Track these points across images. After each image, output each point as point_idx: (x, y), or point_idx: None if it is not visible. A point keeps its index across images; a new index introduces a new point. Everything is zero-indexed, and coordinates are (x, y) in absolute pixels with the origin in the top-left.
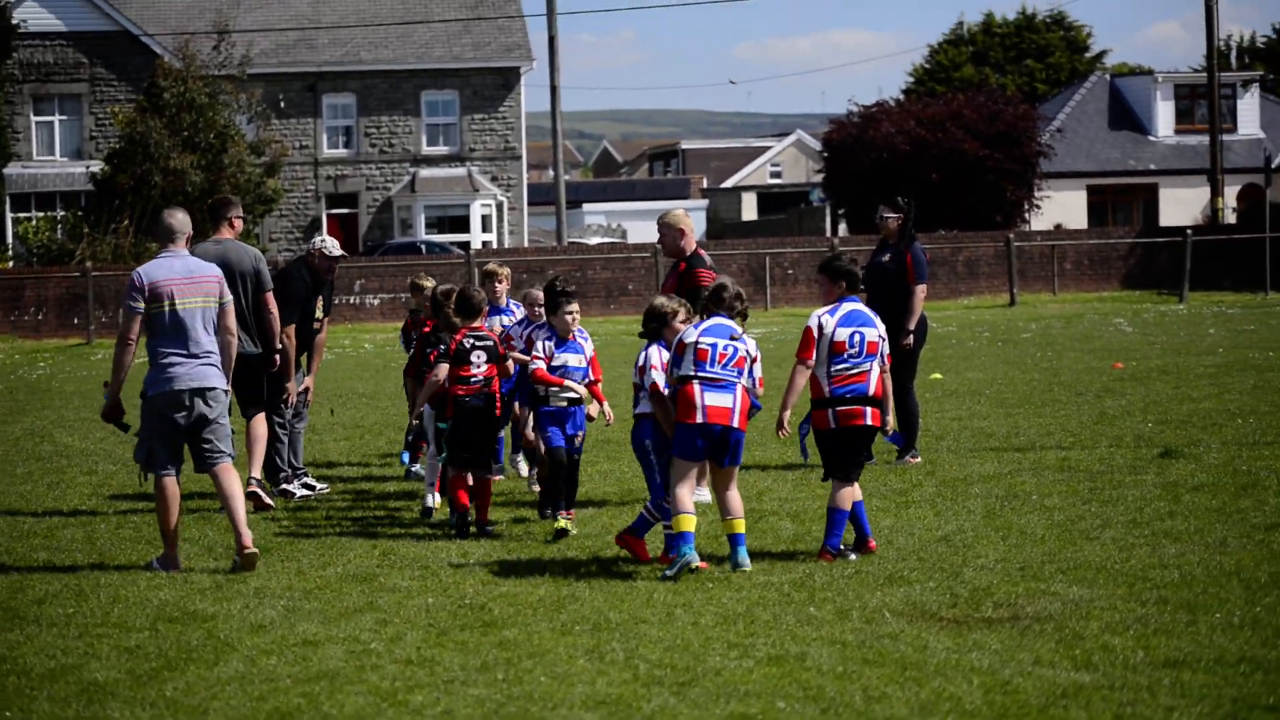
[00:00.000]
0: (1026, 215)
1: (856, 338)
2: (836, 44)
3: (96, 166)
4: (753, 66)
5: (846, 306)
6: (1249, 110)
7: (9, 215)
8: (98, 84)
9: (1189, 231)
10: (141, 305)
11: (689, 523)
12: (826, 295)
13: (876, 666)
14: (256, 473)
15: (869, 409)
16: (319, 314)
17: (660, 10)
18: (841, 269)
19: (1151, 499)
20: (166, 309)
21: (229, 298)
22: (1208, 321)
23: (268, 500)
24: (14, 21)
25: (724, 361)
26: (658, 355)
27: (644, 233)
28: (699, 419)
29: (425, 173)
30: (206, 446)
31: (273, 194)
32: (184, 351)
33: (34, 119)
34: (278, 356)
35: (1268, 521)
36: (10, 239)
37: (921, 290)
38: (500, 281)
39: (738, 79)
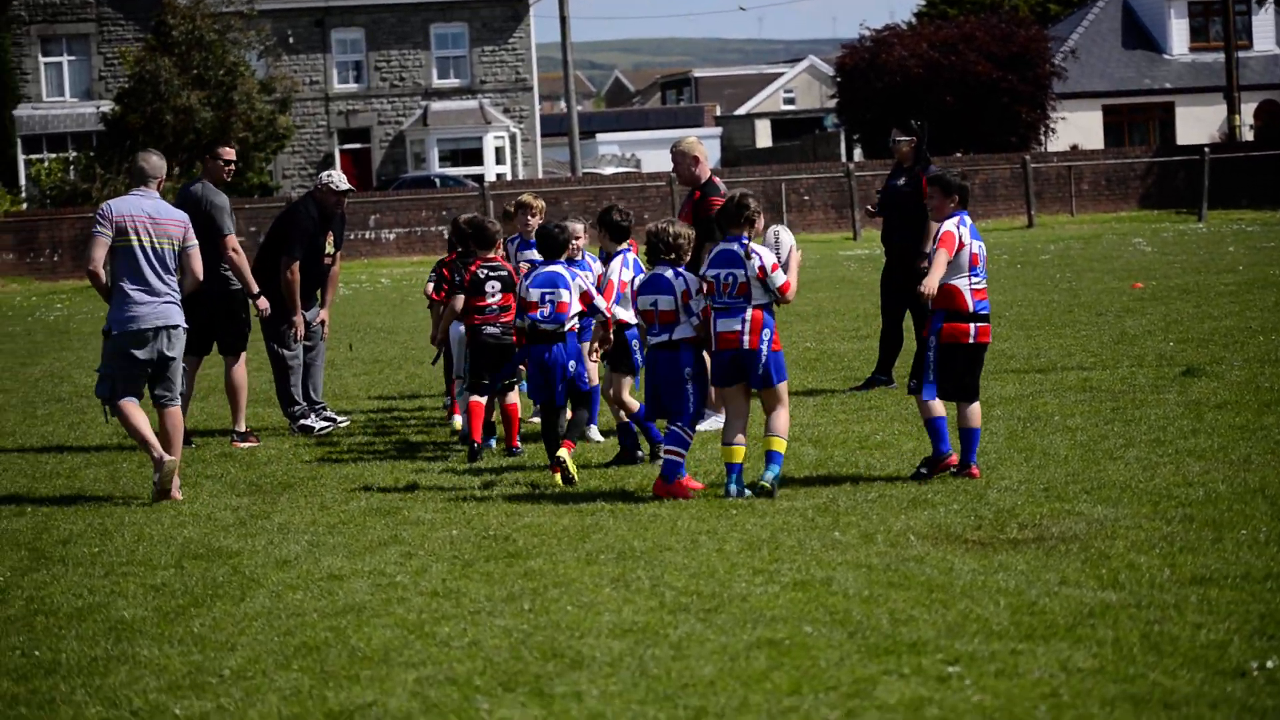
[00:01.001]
0: (1042, 137)
1: (983, 251)
2: None
3: (107, 106)
4: None
5: (969, 220)
6: (1265, 26)
7: (21, 157)
8: (105, 23)
9: (1206, 150)
10: (109, 233)
11: (733, 454)
12: (939, 209)
13: (902, 590)
14: (240, 425)
15: (989, 325)
16: (329, 249)
17: None
18: (955, 183)
19: (1175, 418)
20: (133, 244)
21: (193, 241)
22: (1227, 239)
23: (252, 442)
24: None
25: (728, 291)
26: (695, 280)
27: (658, 162)
28: (714, 346)
29: (437, 106)
30: (163, 386)
31: (284, 130)
32: (147, 289)
33: (42, 60)
34: (262, 301)
35: None
36: (23, 181)
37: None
38: (534, 214)
39: (748, 5)
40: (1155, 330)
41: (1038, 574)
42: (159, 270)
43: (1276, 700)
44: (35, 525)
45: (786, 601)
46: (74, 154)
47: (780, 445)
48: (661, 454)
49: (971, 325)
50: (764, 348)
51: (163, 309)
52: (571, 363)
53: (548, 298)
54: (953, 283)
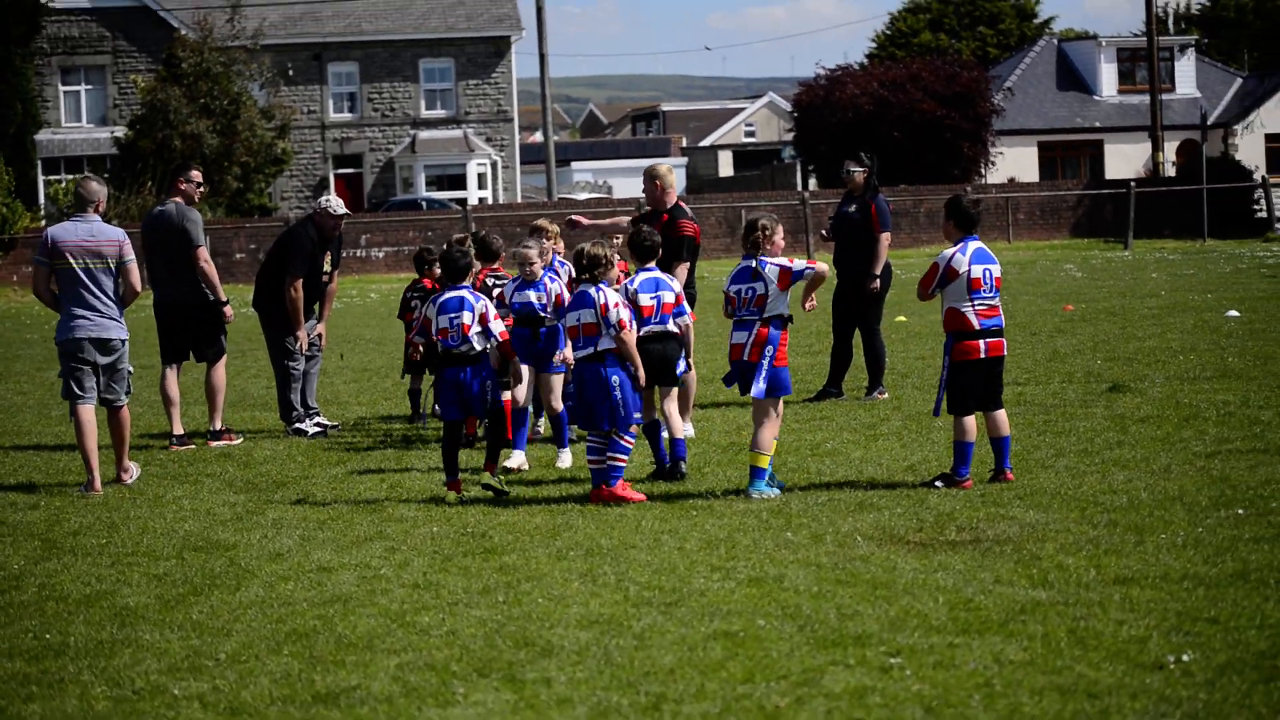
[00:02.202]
0: (982, 170)
1: (988, 274)
2: (806, 11)
3: (120, 132)
4: (727, 34)
5: (974, 246)
6: (1186, 72)
7: (41, 178)
8: (120, 56)
9: (1132, 184)
10: (45, 260)
11: (756, 460)
12: (947, 234)
13: (849, 586)
14: (217, 424)
15: (1003, 339)
16: (327, 268)
17: None
18: (963, 212)
19: (1101, 430)
20: (71, 266)
21: (130, 257)
22: (1150, 266)
23: (227, 439)
24: None
25: (747, 305)
26: (615, 295)
27: (628, 188)
28: (730, 356)
29: (424, 135)
30: (108, 390)
31: (283, 155)
32: (83, 305)
33: (62, 89)
34: (228, 309)
35: (1208, 450)
36: (42, 199)
37: (886, 238)
38: (547, 238)
39: (713, 45)
40: (1084, 349)
41: (974, 573)
42: (93, 289)
43: (1191, 691)
44: (48, 518)
45: (742, 597)
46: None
47: (761, 460)
48: (604, 463)
49: (981, 341)
50: (764, 362)
51: (98, 322)
52: (486, 382)
53: (454, 321)
54: (957, 307)
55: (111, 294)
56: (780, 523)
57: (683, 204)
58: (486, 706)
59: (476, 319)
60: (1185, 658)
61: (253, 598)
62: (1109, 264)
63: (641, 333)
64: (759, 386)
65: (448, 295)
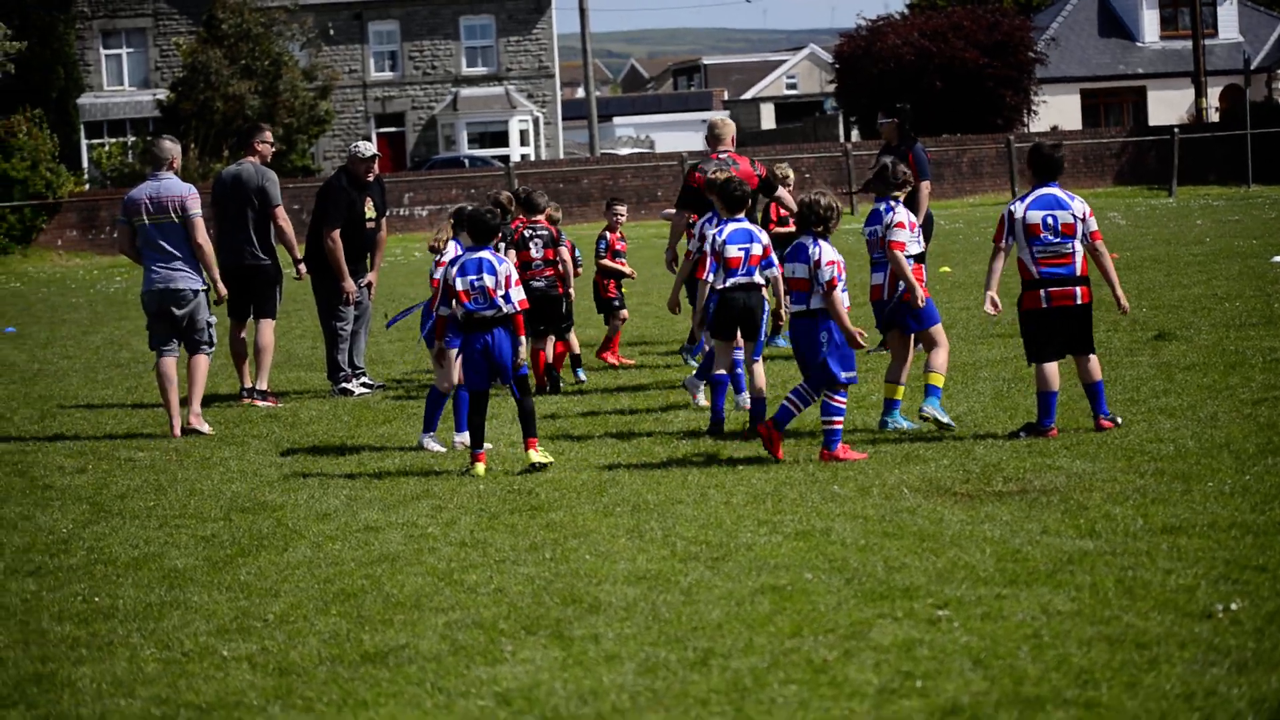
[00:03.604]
0: (1025, 119)
1: (1050, 220)
2: None
3: (162, 94)
4: None
5: (1039, 192)
6: (1228, 16)
7: (84, 142)
8: (161, 18)
9: (1176, 130)
10: (125, 219)
11: (892, 391)
12: (1030, 182)
13: (896, 539)
14: (263, 384)
15: (1079, 288)
16: (370, 214)
17: None
18: (1034, 156)
19: (1147, 378)
20: (144, 222)
21: (193, 212)
22: (1195, 213)
23: (270, 401)
24: None
25: (878, 248)
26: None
27: (671, 143)
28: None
29: (466, 92)
30: (188, 337)
31: (325, 115)
32: (155, 259)
33: (103, 52)
34: (302, 266)
35: (1254, 397)
36: (86, 164)
37: (926, 186)
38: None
39: None
40: (1130, 297)
41: (1021, 524)
42: (163, 243)
43: (1240, 640)
44: (95, 481)
45: (789, 550)
46: (132, 139)
47: (936, 379)
48: (822, 426)
49: (1041, 291)
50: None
51: (166, 273)
52: (517, 348)
53: (476, 284)
54: (1020, 256)
55: (182, 246)
56: (827, 476)
57: (715, 157)
58: (535, 663)
59: (501, 281)
60: (1234, 606)
61: (300, 558)
62: (1153, 211)
63: (728, 283)
64: (920, 318)
65: (468, 257)
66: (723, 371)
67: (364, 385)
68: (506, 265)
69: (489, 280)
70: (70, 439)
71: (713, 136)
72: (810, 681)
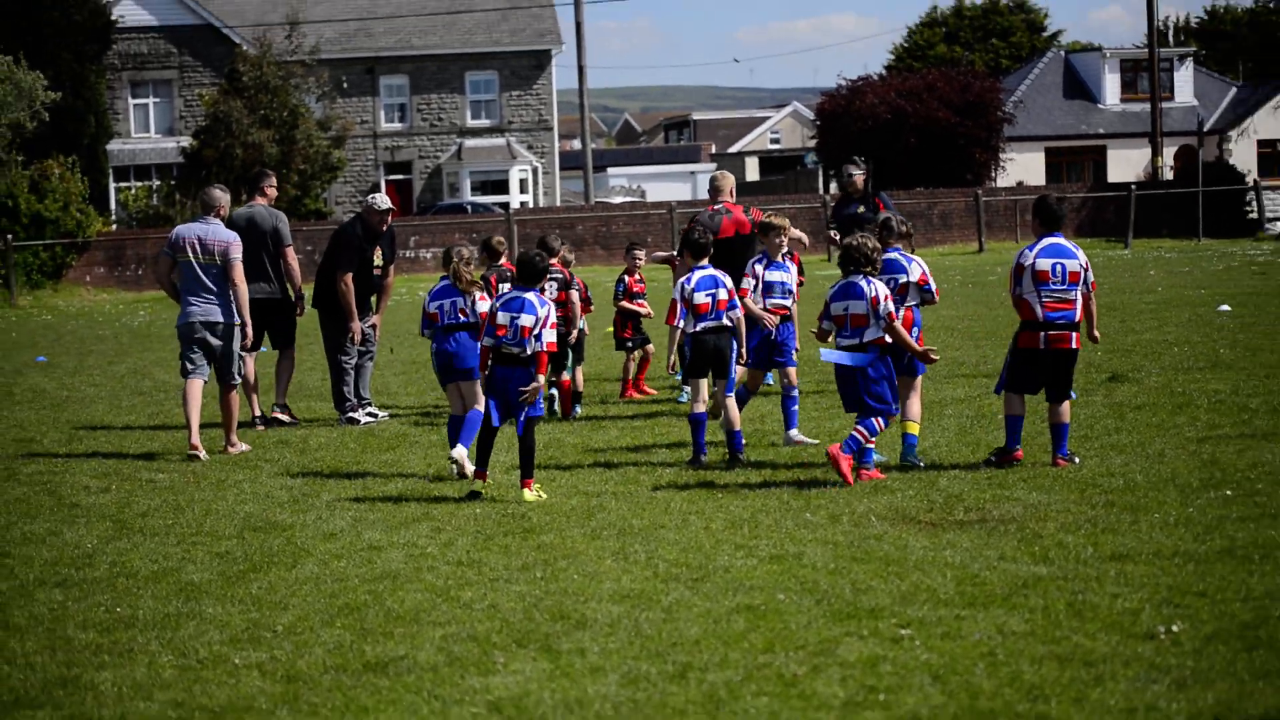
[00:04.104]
0: (992, 174)
1: (1059, 268)
2: (828, 26)
3: (186, 142)
4: (753, 47)
5: (1047, 241)
6: (1184, 81)
7: (112, 185)
8: (186, 70)
9: (1133, 187)
10: (169, 252)
11: (911, 427)
12: (1036, 231)
13: (863, 563)
14: (283, 398)
15: (1073, 334)
16: (378, 262)
17: None
18: (1040, 209)
19: (1100, 417)
20: (189, 259)
21: (234, 257)
22: (1149, 264)
23: (287, 420)
24: (113, 18)
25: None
26: (884, 288)
27: (661, 192)
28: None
29: (470, 143)
30: (219, 369)
31: (338, 163)
32: (196, 294)
33: (131, 101)
34: (304, 302)
35: (1200, 435)
36: (113, 205)
37: None
38: (784, 233)
39: (740, 58)
40: (1084, 340)
41: (980, 550)
42: (205, 280)
43: (1180, 659)
44: (119, 500)
45: (763, 573)
46: (157, 182)
47: (914, 428)
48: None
49: (1041, 333)
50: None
51: (204, 308)
52: (530, 386)
53: (515, 321)
54: (1025, 297)
55: (221, 286)
56: (800, 504)
57: (712, 208)
58: (525, 675)
59: (538, 323)
60: (1175, 628)
61: (308, 574)
62: (1110, 262)
63: (698, 328)
64: (915, 366)
65: (513, 295)
66: (701, 410)
67: (369, 414)
68: (548, 309)
69: (527, 320)
70: (95, 461)
71: (713, 189)
72: (781, 694)
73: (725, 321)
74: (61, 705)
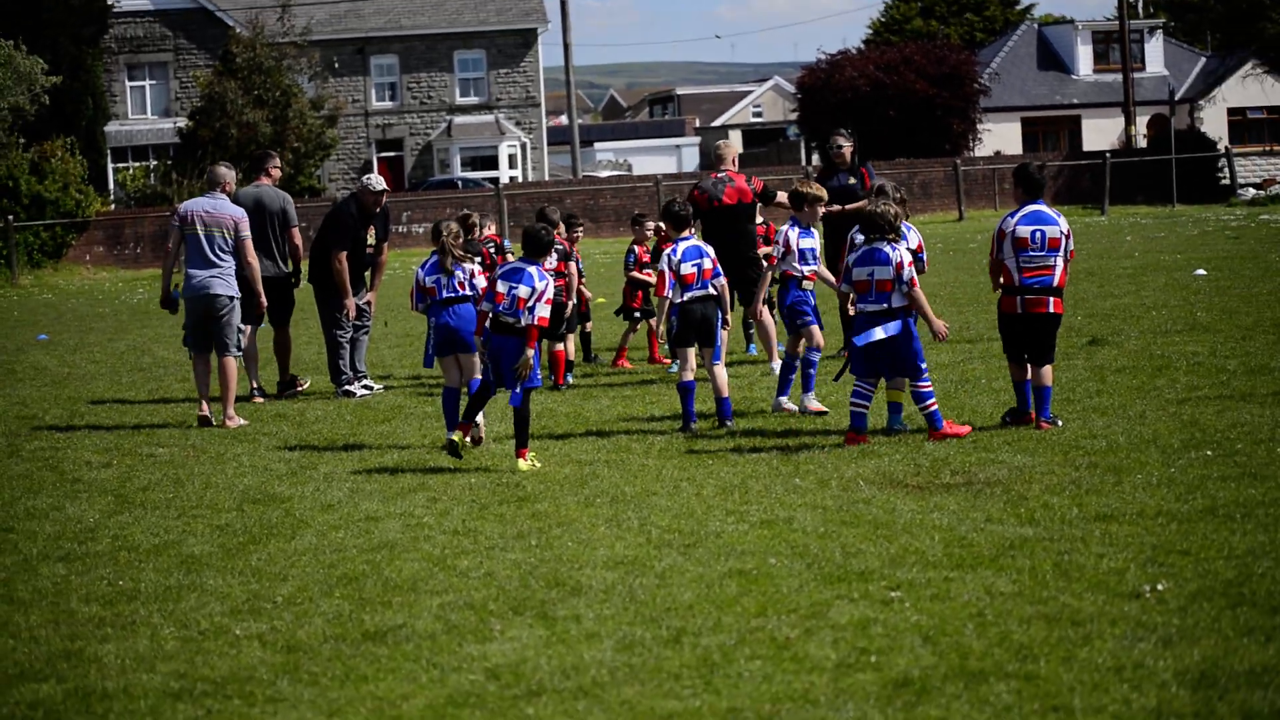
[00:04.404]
0: (970, 144)
1: (1038, 235)
2: (807, 1)
3: (182, 122)
4: (735, 23)
5: (1029, 208)
6: (1155, 52)
7: (110, 166)
8: (181, 53)
9: (1108, 155)
10: (177, 224)
11: (899, 396)
12: (1016, 198)
13: (853, 527)
14: (286, 375)
15: (1052, 298)
16: (371, 241)
17: None
18: (1021, 176)
19: (1082, 380)
20: (195, 232)
21: (244, 234)
22: (1125, 230)
23: (301, 385)
24: (109, 3)
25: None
26: (908, 254)
27: (647, 166)
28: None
29: (459, 120)
30: (216, 339)
31: (331, 141)
32: (199, 265)
33: (128, 84)
34: (299, 277)
35: (1179, 397)
36: (112, 186)
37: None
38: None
39: (722, 34)
40: (1066, 307)
41: (967, 513)
42: (209, 253)
43: (1165, 617)
44: (120, 475)
45: (754, 538)
46: (154, 163)
47: (901, 396)
48: (864, 408)
49: (1018, 298)
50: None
51: (206, 280)
52: (520, 359)
53: (512, 291)
54: (1005, 261)
55: (225, 259)
56: (789, 470)
57: (714, 175)
58: (521, 641)
59: (534, 295)
60: (1160, 587)
61: (306, 545)
62: (1087, 228)
63: (685, 297)
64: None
65: (515, 266)
66: (690, 378)
67: (365, 387)
68: (546, 283)
69: (523, 291)
70: (97, 436)
71: (716, 156)
72: (774, 657)
73: (710, 290)
74: (65, 678)
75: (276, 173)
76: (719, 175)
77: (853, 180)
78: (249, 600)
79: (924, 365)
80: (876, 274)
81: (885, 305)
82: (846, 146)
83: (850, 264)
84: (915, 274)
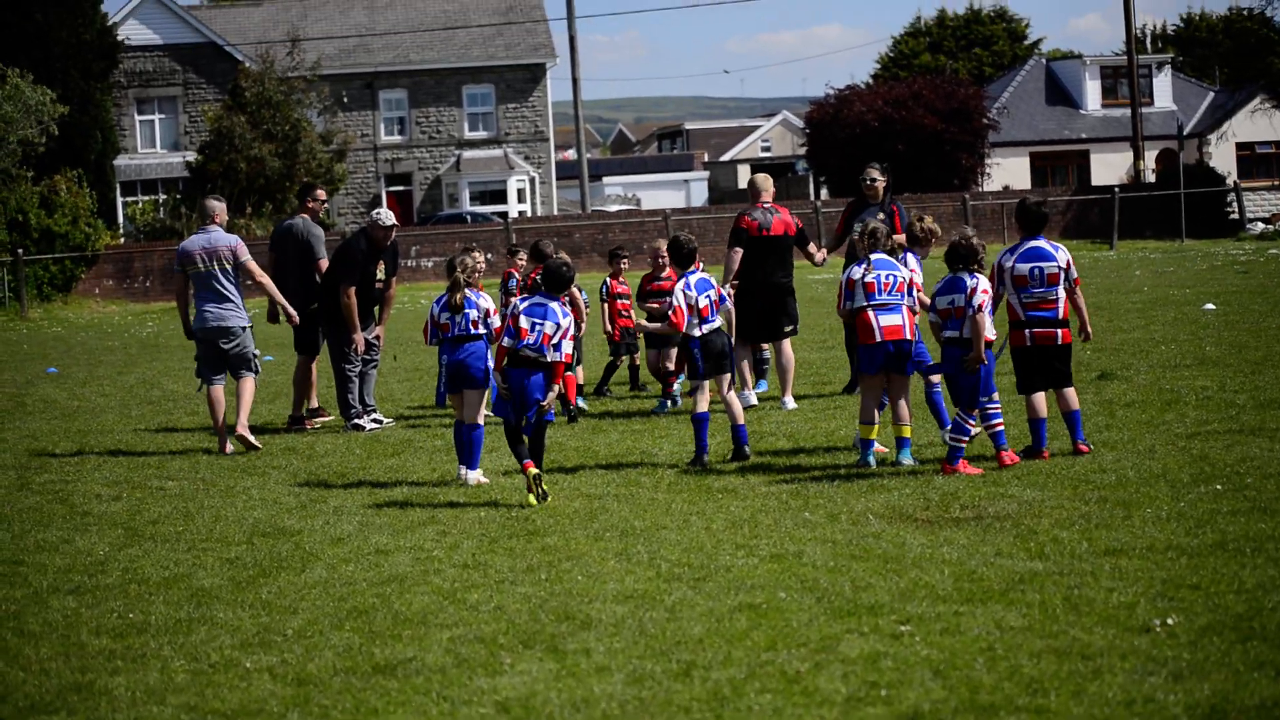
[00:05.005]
0: (979, 179)
1: (1036, 272)
2: (815, 36)
3: (191, 156)
4: (743, 58)
5: (1027, 245)
6: (1163, 87)
7: (119, 199)
8: (190, 87)
9: (1116, 190)
10: (179, 267)
11: (870, 431)
12: (1019, 234)
13: (862, 561)
14: (314, 403)
15: (1059, 330)
16: (380, 276)
17: (661, 12)
18: (1021, 213)
19: (1091, 414)
20: (199, 268)
21: (244, 258)
22: (1134, 265)
23: (324, 416)
24: (119, 38)
25: (888, 290)
26: (986, 281)
27: (656, 200)
28: (878, 338)
29: (468, 154)
30: (233, 366)
31: (339, 176)
32: (208, 300)
33: (138, 118)
34: (294, 314)
35: (1189, 431)
36: (121, 219)
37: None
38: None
39: (731, 69)
40: (1074, 340)
41: (976, 547)
42: (215, 286)
43: (1175, 651)
44: (130, 508)
45: (764, 571)
46: (163, 196)
47: (909, 431)
48: (947, 440)
49: (1026, 331)
50: (919, 342)
51: (218, 313)
52: (549, 396)
53: (537, 327)
54: (1009, 299)
55: (233, 289)
56: (799, 503)
57: (759, 207)
58: (532, 675)
59: (559, 332)
60: (1170, 621)
61: (317, 578)
62: (1096, 263)
63: (704, 329)
64: (913, 362)
65: (538, 301)
66: (704, 409)
67: (374, 421)
68: (570, 320)
69: (549, 328)
70: (106, 469)
71: (758, 189)
72: (784, 691)
73: (719, 322)
74: (76, 711)
75: (315, 205)
76: (765, 205)
77: (882, 216)
78: (259, 633)
79: (978, 400)
80: (956, 301)
81: (957, 333)
82: (880, 181)
83: (935, 292)
84: (984, 301)
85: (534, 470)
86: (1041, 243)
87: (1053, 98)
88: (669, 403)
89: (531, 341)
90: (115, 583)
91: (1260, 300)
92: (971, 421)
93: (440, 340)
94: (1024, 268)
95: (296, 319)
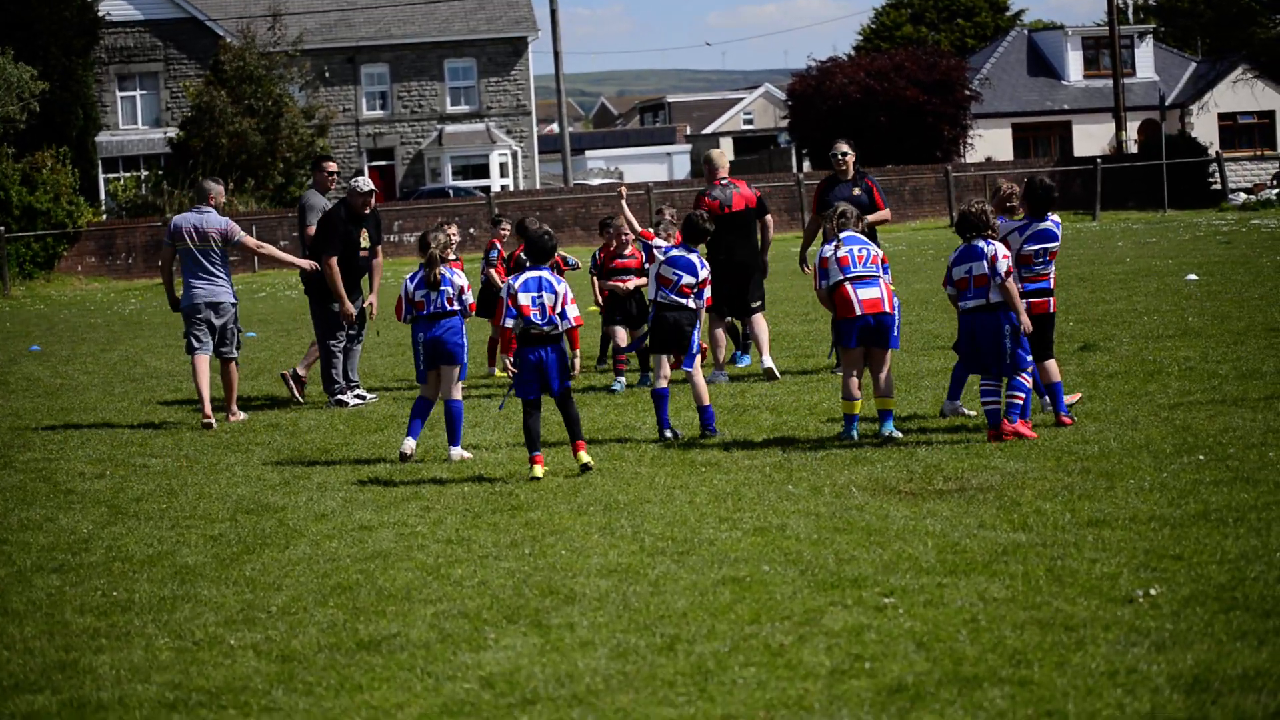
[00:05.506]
0: (961, 151)
1: (1041, 252)
2: (797, 7)
3: (172, 132)
4: (725, 31)
5: (1037, 226)
6: (1145, 58)
7: (101, 176)
8: (171, 63)
9: (1099, 161)
10: (169, 241)
11: (853, 407)
12: (1025, 211)
13: (846, 534)
14: (301, 370)
15: (1049, 299)
16: (364, 243)
17: None
18: (1030, 192)
19: (1074, 385)
20: (188, 246)
21: (237, 238)
22: (1116, 236)
23: (297, 391)
24: (100, 14)
25: (862, 262)
26: (1002, 247)
27: (638, 174)
28: (857, 312)
29: (450, 129)
30: (221, 345)
31: (322, 151)
32: (197, 276)
33: (119, 94)
34: (310, 264)
35: (1171, 402)
36: (103, 196)
37: (888, 214)
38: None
39: (713, 41)
40: (1057, 312)
41: (960, 519)
42: (205, 264)
43: (1158, 622)
44: (113, 486)
45: (748, 545)
46: (145, 173)
47: (892, 404)
48: (993, 406)
49: (1025, 303)
50: (898, 315)
51: (209, 290)
52: (576, 364)
53: (538, 301)
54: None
55: (221, 268)
56: (782, 477)
57: (717, 184)
58: (516, 650)
59: (559, 299)
60: (1153, 592)
61: (300, 555)
62: (1079, 234)
63: (663, 298)
64: (895, 336)
65: (529, 275)
66: (664, 385)
67: (358, 396)
68: (564, 285)
69: (548, 299)
70: (90, 447)
71: (711, 168)
72: (768, 664)
73: (689, 304)
74: (60, 689)
75: (321, 176)
76: (722, 182)
77: (858, 191)
78: (243, 610)
79: (1022, 360)
80: (974, 270)
81: (983, 300)
82: (850, 155)
83: (950, 263)
84: (1010, 265)
85: (584, 457)
86: (1050, 224)
87: (1035, 69)
88: (622, 380)
89: (540, 319)
90: (99, 560)
91: (1242, 271)
92: (1027, 378)
93: (415, 317)
94: (1031, 249)
95: (316, 265)
